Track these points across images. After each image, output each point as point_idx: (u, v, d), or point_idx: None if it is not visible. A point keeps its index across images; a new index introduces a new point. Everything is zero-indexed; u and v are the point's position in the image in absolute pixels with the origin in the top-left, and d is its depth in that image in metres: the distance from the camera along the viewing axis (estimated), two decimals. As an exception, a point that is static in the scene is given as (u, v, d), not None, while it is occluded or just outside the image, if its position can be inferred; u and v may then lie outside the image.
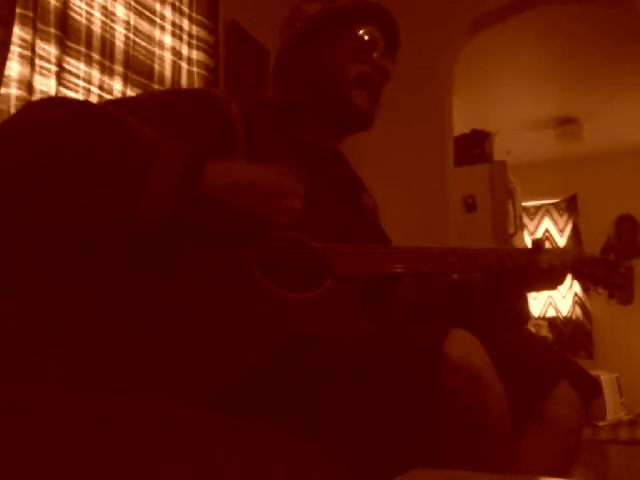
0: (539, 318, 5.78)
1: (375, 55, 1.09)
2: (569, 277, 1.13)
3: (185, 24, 2.34)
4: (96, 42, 1.97)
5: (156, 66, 2.22)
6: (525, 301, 1.12)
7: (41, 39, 1.75)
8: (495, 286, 1.10)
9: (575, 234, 5.86)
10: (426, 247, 1.02)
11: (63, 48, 1.83)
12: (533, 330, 4.73)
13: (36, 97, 1.74)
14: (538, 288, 1.09)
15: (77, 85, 1.91)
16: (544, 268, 1.05)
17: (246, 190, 0.79)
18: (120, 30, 2.07)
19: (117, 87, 2.05)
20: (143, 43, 2.17)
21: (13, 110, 1.65)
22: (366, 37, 1.09)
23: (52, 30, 1.79)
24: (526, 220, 5.88)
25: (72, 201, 0.72)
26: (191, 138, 0.89)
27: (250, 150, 0.96)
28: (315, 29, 1.11)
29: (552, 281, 1.08)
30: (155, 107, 0.91)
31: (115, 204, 0.72)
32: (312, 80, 1.10)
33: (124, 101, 0.93)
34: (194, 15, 2.38)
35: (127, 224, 0.73)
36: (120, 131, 0.77)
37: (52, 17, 1.80)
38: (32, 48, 1.69)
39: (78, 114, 0.78)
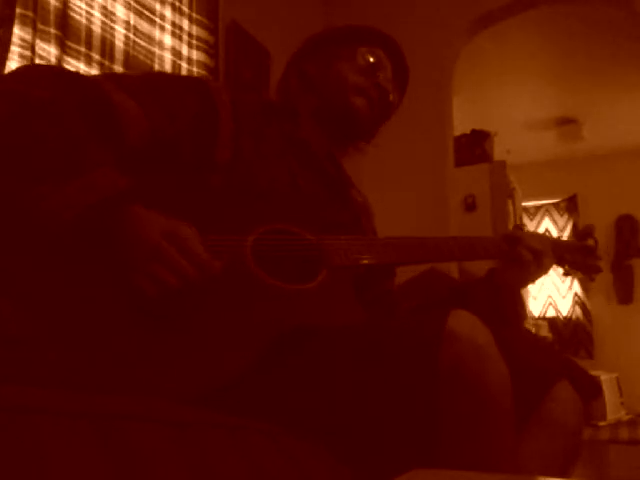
0: (539, 318, 5.78)
1: (377, 72, 1.11)
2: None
3: (185, 24, 2.34)
4: (96, 42, 1.97)
5: (156, 66, 2.22)
6: (520, 299, 1.13)
7: (41, 39, 1.75)
8: (492, 286, 1.11)
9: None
10: (421, 237, 1.03)
11: (63, 48, 1.83)
12: (533, 330, 4.73)
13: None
14: (528, 275, 1.09)
15: (77, 85, 1.90)
16: (528, 245, 1.07)
17: (129, 243, 0.76)
18: (120, 30, 2.07)
19: (117, 87, 2.04)
20: (143, 43, 2.17)
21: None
22: (372, 59, 1.12)
23: (52, 30, 1.79)
24: (526, 220, 5.88)
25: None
26: (172, 117, 0.93)
27: (238, 139, 0.98)
28: (327, 40, 1.15)
29: (540, 264, 1.09)
30: (144, 85, 0.94)
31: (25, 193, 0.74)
32: (312, 84, 1.13)
33: (119, 76, 0.98)
34: (194, 15, 2.38)
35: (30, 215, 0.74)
36: (81, 127, 0.80)
37: (52, 17, 1.80)
38: (32, 48, 1.69)
39: (59, 95, 0.81)
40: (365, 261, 0.95)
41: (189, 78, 1.08)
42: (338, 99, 1.10)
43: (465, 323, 0.74)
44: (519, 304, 1.14)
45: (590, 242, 1.22)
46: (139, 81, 0.95)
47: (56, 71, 0.91)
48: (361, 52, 1.12)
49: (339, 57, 1.12)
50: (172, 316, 0.77)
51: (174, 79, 1.05)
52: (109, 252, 0.76)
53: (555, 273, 4.44)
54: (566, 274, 1.22)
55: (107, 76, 0.96)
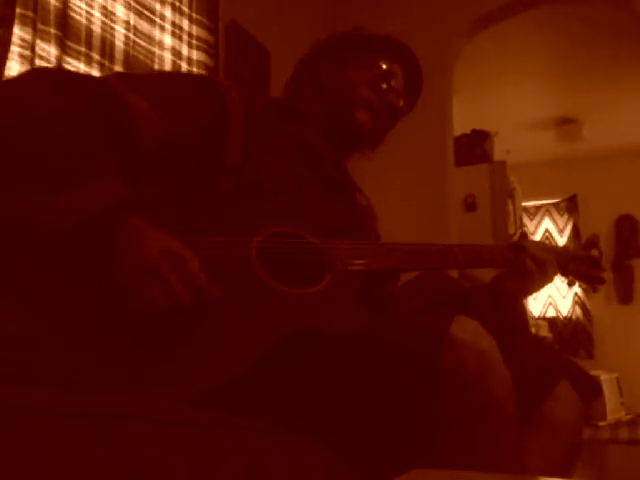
0: (539, 318, 5.78)
1: (389, 86, 1.11)
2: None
3: (185, 24, 2.34)
4: (96, 42, 1.97)
5: (156, 66, 2.22)
6: (522, 307, 1.13)
7: (41, 39, 1.75)
8: (495, 294, 1.11)
9: (575, 234, 5.86)
10: (427, 243, 1.03)
11: (63, 48, 1.83)
12: (533, 330, 4.73)
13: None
14: (532, 284, 1.09)
15: (77, 85, 1.90)
16: (533, 255, 1.07)
17: (129, 260, 0.75)
18: (120, 30, 2.07)
19: (117, 87, 2.04)
20: (143, 43, 2.17)
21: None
22: (385, 67, 1.11)
23: (52, 30, 1.79)
24: (526, 220, 5.89)
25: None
26: (184, 120, 0.92)
27: (248, 139, 0.98)
28: (342, 44, 1.14)
29: (544, 274, 1.09)
30: (156, 86, 0.94)
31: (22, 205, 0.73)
32: (323, 89, 1.12)
33: (131, 76, 0.96)
34: (194, 15, 2.38)
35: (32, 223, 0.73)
36: (88, 136, 0.79)
37: (52, 17, 1.80)
38: (32, 48, 1.69)
39: (68, 103, 0.80)
40: (369, 267, 0.95)
41: (201, 78, 1.06)
42: (343, 111, 1.09)
43: (467, 329, 0.74)
44: (522, 312, 1.14)
45: (594, 252, 1.21)
46: (151, 82, 0.95)
47: (65, 76, 0.88)
48: (374, 62, 1.11)
49: (351, 64, 1.11)
50: (159, 330, 0.76)
51: (186, 80, 1.03)
52: (107, 262, 0.75)
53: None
54: (570, 284, 1.21)
55: (118, 77, 0.93)
